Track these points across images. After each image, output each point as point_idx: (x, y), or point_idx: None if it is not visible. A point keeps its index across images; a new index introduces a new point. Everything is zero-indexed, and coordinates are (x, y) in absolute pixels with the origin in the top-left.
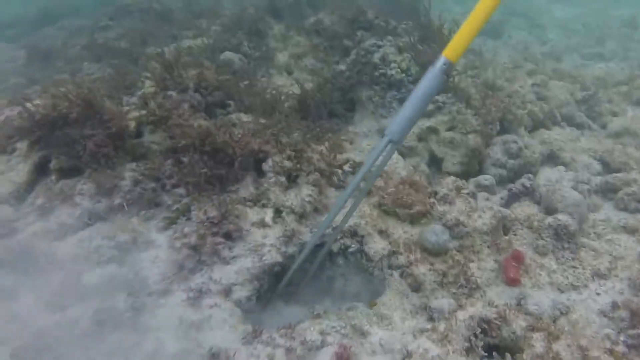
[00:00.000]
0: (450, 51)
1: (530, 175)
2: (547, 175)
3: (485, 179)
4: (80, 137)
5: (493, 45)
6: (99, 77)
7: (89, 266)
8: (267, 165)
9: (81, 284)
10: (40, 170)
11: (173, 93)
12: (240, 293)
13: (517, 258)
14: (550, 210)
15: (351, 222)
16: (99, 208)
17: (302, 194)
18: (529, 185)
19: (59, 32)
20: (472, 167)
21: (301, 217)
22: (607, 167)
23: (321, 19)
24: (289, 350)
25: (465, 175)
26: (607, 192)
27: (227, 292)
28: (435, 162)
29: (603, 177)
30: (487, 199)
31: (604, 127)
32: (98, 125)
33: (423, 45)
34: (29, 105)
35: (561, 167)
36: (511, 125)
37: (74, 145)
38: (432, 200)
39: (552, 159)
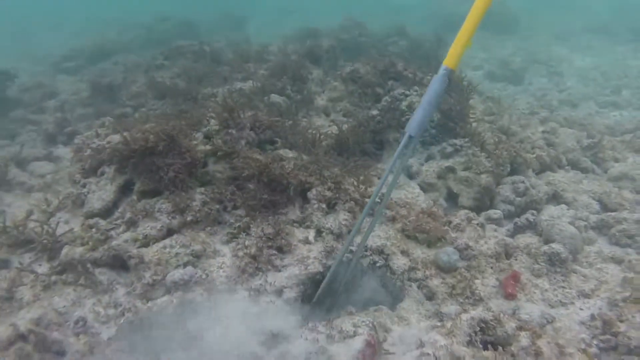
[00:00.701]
0: (449, 60)
1: (534, 211)
2: (550, 212)
3: (495, 213)
4: (164, 165)
5: (514, 91)
6: (168, 114)
7: (171, 267)
8: (311, 194)
9: (166, 280)
10: (123, 191)
11: (233, 131)
12: (290, 294)
13: (515, 277)
14: (549, 242)
15: (379, 242)
16: (174, 223)
17: (339, 218)
18: (532, 220)
19: (114, 67)
20: (484, 203)
21: (338, 236)
22: (605, 207)
23: (357, 68)
24: (329, 337)
25: (478, 209)
26: (602, 228)
27: (279, 292)
28: (452, 198)
29: (600, 215)
30: (495, 230)
31: (606, 171)
32: (177, 156)
33: (446, 94)
34: (127, 135)
35: (563, 206)
36: (520, 167)
37: (157, 171)
38: (446, 228)
39: (556, 198)
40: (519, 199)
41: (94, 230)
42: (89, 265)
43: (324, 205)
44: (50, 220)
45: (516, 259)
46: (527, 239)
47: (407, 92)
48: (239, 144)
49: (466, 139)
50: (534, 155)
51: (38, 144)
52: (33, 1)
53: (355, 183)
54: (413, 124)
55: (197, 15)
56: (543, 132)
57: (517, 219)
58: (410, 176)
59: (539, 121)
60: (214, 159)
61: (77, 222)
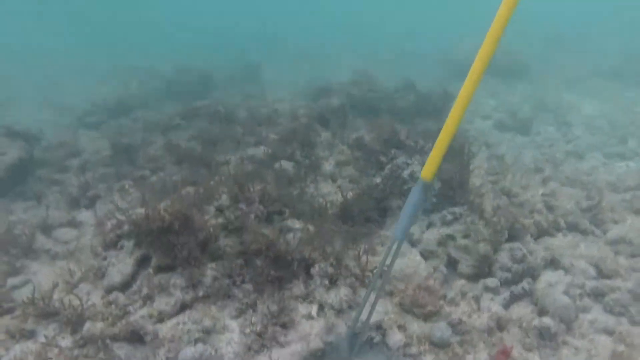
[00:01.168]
0: (426, 173)
1: (530, 279)
2: (547, 278)
3: (492, 282)
4: (178, 243)
5: (522, 142)
6: (185, 181)
7: (183, 344)
8: (314, 270)
9: (179, 357)
10: (140, 264)
11: (243, 206)
12: None
13: (505, 352)
14: (543, 311)
15: (377, 317)
16: (187, 298)
17: (340, 294)
18: (527, 289)
19: (134, 123)
20: (482, 270)
21: (339, 312)
22: (601, 273)
23: (362, 136)
24: None
25: (477, 276)
26: (598, 296)
27: None
28: (452, 264)
29: (595, 282)
30: (492, 299)
31: (605, 233)
32: (191, 234)
33: (445, 163)
34: (147, 213)
35: (561, 272)
36: (518, 233)
37: (172, 249)
38: (441, 302)
39: (553, 263)
40: (516, 265)
41: (113, 306)
42: (107, 340)
43: (326, 281)
44: (74, 291)
45: (508, 332)
46: (521, 309)
47: (409, 162)
48: (248, 218)
49: (465, 207)
50: (532, 221)
51: (62, 205)
52: (58, 47)
53: (357, 253)
54: (397, 232)
55: (215, 61)
56: (542, 194)
57: (513, 287)
58: (412, 243)
59: (541, 180)
60: (224, 233)
61: (98, 294)
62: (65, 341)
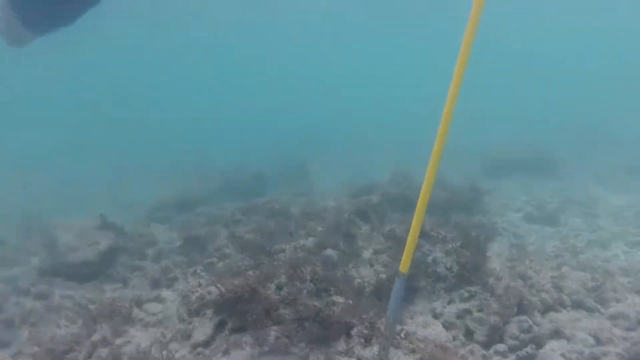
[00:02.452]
0: (403, 266)
1: (533, 345)
2: (551, 346)
3: (501, 346)
4: (248, 310)
5: (548, 233)
6: (249, 266)
7: None
8: (353, 332)
9: None
10: (218, 327)
11: (297, 283)
12: None
13: None
14: None
15: None
16: (255, 352)
17: (373, 350)
18: (531, 352)
19: (198, 218)
20: (494, 338)
21: None
22: (598, 341)
23: (393, 228)
24: None
25: (490, 343)
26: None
27: None
28: (469, 334)
29: (593, 349)
30: None
31: (607, 309)
32: (258, 303)
33: (463, 249)
34: (222, 288)
35: (563, 341)
36: (527, 308)
37: (243, 314)
38: (454, 357)
39: (557, 334)
40: (523, 335)
41: (200, 355)
42: None
43: (362, 340)
44: (166, 348)
45: None
46: None
47: (432, 249)
48: (301, 293)
49: (479, 286)
50: (539, 298)
51: (145, 286)
52: (123, 148)
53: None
54: (389, 315)
55: (265, 159)
56: (552, 277)
57: (519, 352)
58: (435, 316)
59: (554, 265)
60: (283, 305)
61: (186, 350)
62: None
